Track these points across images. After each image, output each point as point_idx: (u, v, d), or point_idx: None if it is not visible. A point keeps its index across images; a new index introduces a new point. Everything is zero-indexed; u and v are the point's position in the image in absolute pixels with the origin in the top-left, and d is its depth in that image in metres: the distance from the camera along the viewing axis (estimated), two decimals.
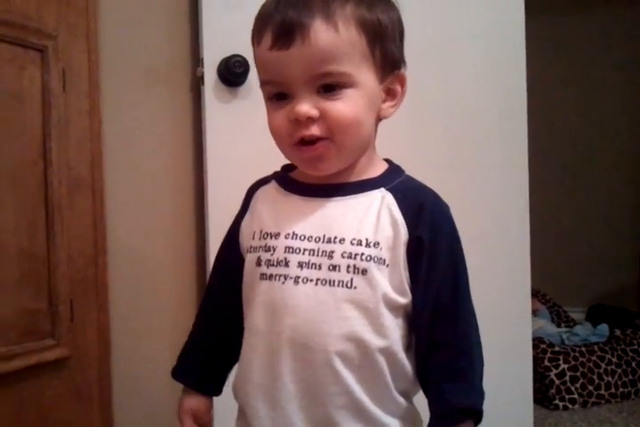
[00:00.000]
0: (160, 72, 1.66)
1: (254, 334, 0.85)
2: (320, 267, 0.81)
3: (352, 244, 0.80)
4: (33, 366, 1.34)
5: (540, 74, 2.52)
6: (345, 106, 0.78)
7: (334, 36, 0.76)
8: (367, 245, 0.80)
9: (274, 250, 0.84)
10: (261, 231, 0.86)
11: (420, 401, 0.88)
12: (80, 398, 1.46)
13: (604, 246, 3.51)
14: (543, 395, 2.45)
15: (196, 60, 1.66)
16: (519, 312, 1.94)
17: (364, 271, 0.79)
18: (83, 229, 1.46)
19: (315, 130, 0.78)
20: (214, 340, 0.96)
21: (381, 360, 0.81)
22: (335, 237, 0.81)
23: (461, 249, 0.86)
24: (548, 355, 2.49)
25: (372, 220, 0.82)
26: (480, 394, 0.83)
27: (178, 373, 0.98)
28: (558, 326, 3.03)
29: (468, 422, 0.81)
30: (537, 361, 2.37)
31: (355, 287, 0.80)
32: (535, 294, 2.98)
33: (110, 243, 1.53)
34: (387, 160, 0.91)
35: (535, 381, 2.08)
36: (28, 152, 1.34)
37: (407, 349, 0.85)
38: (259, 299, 0.85)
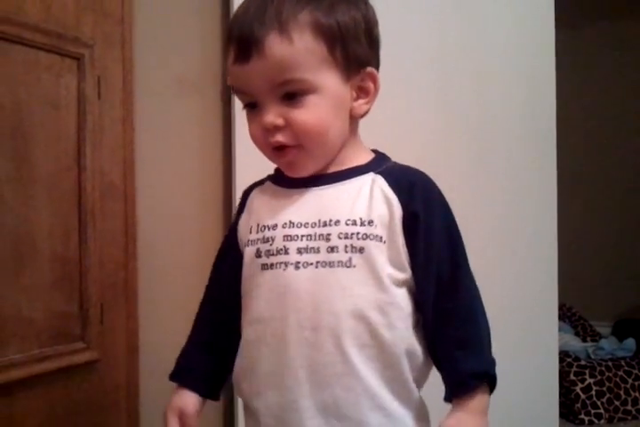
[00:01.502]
0: (192, 81, 1.69)
1: (259, 323, 0.86)
2: (319, 250, 0.83)
3: (347, 224, 0.83)
4: (63, 368, 1.35)
5: (570, 85, 2.51)
6: (308, 113, 0.81)
7: (288, 47, 0.79)
8: (362, 224, 0.82)
9: (273, 240, 0.86)
10: (258, 225, 0.89)
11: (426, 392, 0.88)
12: (108, 402, 1.48)
13: (632, 261, 3.47)
14: (569, 409, 2.42)
15: (227, 69, 1.68)
16: (546, 326, 1.93)
17: (362, 250, 0.81)
18: (114, 234, 1.48)
19: (281, 137, 0.83)
20: (213, 341, 0.96)
21: (389, 337, 0.82)
22: (330, 220, 0.83)
23: (455, 221, 0.89)
24: (574, 369, 2.46)
25: (365, 200, 0.84)
26: (491, 360, 0.86)
27: (173, 374, 0.98)
28: (584, 340, 2.99)
29: (483, 387, 0.83)
30: (562, 375, 2.35)
31: (354, 266, 0.81)
32: (561, 307, 2.95)
33: (140, 248, 1.55)
34: (374, 150, 0.94)
35: (560, 395, 2.06)
36: (63, 158, 1.37)
37: (415, 326, 0.85)
38: (261, 289, 0.86)
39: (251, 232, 0.90)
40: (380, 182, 0.85)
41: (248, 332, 0.88)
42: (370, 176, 0.86)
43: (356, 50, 0.85)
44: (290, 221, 0.86)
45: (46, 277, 1.32)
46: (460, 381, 0.82)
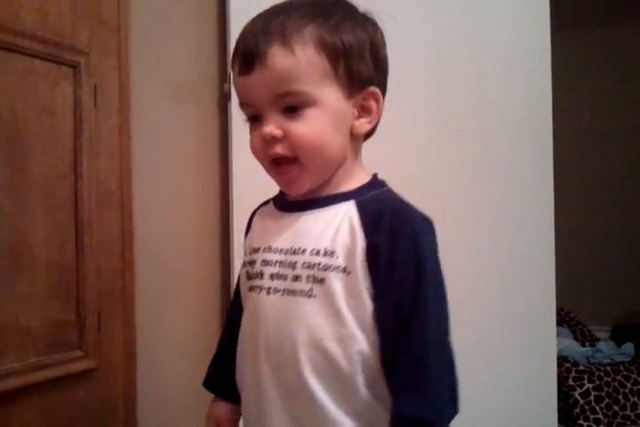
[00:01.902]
0: (188, 88, 1.69)
1: (242, 341, 0.91)
2: (286, 278, 0.84)
3: (311, 254, 0.83)
4: (61, 376, 1.35)
5: (566, 89, 2.51)
6: (306, 126, 0.82)
7: (290, 59, 0.80)
8: (325, 254, 0.82)
9: (254, 263, 0.89)
10: (251, 247, 0.92)
11: None
12: (105, 410, 1.47)
13: (630, 265, 3.48)
14: (567, 415, 2.42)
15: (223, 76, 1.69)
16: (544, 331, 1.93)
17: (322, 280, 0.81)
18: (111, 241, 1.48)
19: (279, 149, 0.83)
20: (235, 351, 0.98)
21: (348, 369, 0.81)
22: (299, 248, 0.84)
23: (428, 258, 0.82)
24: (573, 374, 2.46)
25: (333, 230, 0.83)
26: (435, 406, 0.80)
27: (207, 382, 1.04)
28: (582, 344, 2.99)
29: None
30: (561, 380, 2.35)
31: (315, 296, 0.82)
32: (559, 312, 2.95)
33: (137, 256, 1.55)
34: (373, 175, 0.92)
35: (559, 400, 2.06)
36: (60, 166, 1.37)
37: (376, 356, 0.83)
38: (246, 309, 0.91)
39: (245, 254, 0.93)
40: (352, 212, 0.84)
41: (239, 348, 0.93)
42: (347, 205, 0.85)
43: (359, 68, 0.85)
44: (269, 246, 0.88)
45: (43, 285, 1.32)
46: (396, 423, 0.79)
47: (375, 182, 0.90)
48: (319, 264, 0.82)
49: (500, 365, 1.85)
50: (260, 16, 0.86)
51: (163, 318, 1.63)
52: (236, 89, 0.87)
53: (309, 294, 0.82)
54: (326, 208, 0.86)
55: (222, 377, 0.99)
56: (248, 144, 1.67)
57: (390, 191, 0.89)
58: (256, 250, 0.90)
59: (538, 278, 1.91)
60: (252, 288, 0.88)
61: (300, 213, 0.87)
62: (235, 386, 0.97)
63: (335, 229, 0.83)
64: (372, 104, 0.88)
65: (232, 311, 1.03)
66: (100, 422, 1.46)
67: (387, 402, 0.82)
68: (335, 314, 0.81)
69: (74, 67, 1.39)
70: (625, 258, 3.49)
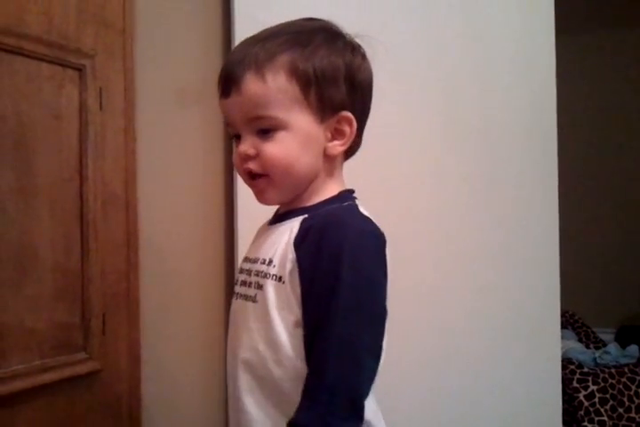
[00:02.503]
0: (193, 91, 1.69)
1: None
2: (247, 284, 0.94)
3: (261, 263, 0.91)
4: (65, 379, 1.35)
5: (570, 92, 2.51)
6: (275, 147, 0.89)
7: (261, 86, 0.88)
8: (267, 263, 0.90)
9: (239, 271, 0.99)
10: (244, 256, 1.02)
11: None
12: (110, 413, 1.47)
13: (634, 267, 3.47)
14: (572, 417, 2.42)
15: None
16: (549, 333, 1.93)
17: (261, 287, 0.89)
18: (116, 244, 1.48)
19: (252, 165, 0.91)
20: None
21: (278, 373, 0.86)
22: (256, 258, 0.93)
23: (350, 272, 0.83)
24: (577, 376, 2.46)
25: (277, 242, 0.90)
26: (321, 416, 0.80)
27: None
28: (587, 347, 2.99)
29: None
30: (565, 382, 2.35)
31: (257, 301, 0.90)
32: (564, 314, 2.95)
33: (142, 258, 1.55)
34: (347, 190, 0.97)
35: (564, 402, 2.06)
36: (65, 168, 1.37)
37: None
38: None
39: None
40: (295, 225, 0.89)
41: None
42: (299, 219, 0.90)
43: (331, 94, 0.91)
44: (246, 256, 0.99)
45: (48, 287, 1.32)
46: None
47: (338, 198, 0.95)
48: (262, 272, 0.90)
49: (504, 367, 1.85)
50: (243, 43, 0.94)
51: (167, 321, 1.64)
52: (221, 110, 0.95)
53: (253, 300, 0.90)
54: (285, 222, 0.93)
55: None
56: None
57: (346, 207, 0.93)
58: (244, 259, 1.00)
59: (542, 280, 1.91)
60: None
61: (273, 226, 0.96)
62: None
63: (279, 242, 0.90)
64: (346, 128, 0.93)
65: None
66: (104, 423, 1.46)
67: None
68: (268, 320, 0.87)
69: (79, 70, 1.39)
70: (629, 260, 3.49)
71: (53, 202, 1.34)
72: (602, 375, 2.48)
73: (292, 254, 0.86)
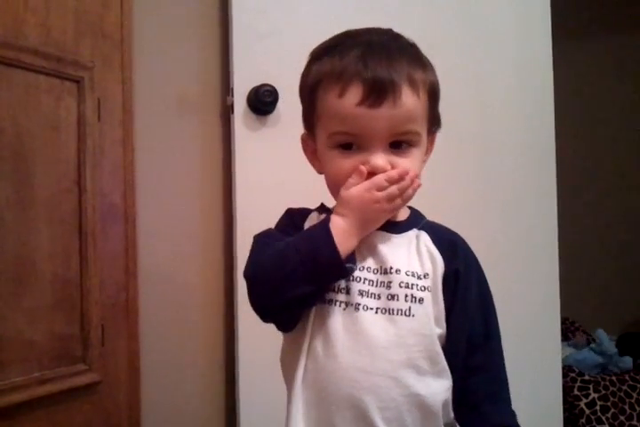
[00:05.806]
0: (191, 101, 1.70)
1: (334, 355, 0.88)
2: (390, 297, 0.87)
3: (406, 274, 0.86)
4: (65, 390, 1.35)
5: (568, 96, 2.52)
6: (411, 163, 0.86)
7: (416, 100, 0.84)
8: (422, 276, 0.87)
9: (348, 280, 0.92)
10: None
11: None
12: (110, 424, 1.47)
13: (635, 273, 3.46)
14: (573, 425, 2.40)
15: (226, 89, 1.69)
16: (549, 341, 1.92)
17: (420, 300, 0.85)
18: (115, 255, 1.48)
19: None
20: None
21: (434, 385, 0.86)
22: (389, 268, 0.86)
23: (487, 281, 0.94)
24: (578, 384, 2.45)
25: (414, 255, 0.89)
26: (514, 414, 0.91)
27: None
28: None
29: None
30: (566, 390, 2.33)
31: (411, 315, 0.85)
32: (564, 321, 2.94)
33: (141, 269, 1.55)
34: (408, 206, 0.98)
35: (565, 410, 2.05)
36: (64, 180, 1.37)
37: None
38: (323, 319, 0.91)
39: None
40: (425, 239, 0.90)
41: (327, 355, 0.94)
42: (414, 232, 0.91)
43: (438, 111, 0.92)
44: (363, 265, 0.88)
45: (47, 298, 1.32)
46: None
47: (418, 212, 0.97)
48: (416, 285, 0.86)
49: None
50: (368, 54, 0.84)
51: (167, 331, 1.63)
52: (344, 117, 0.84)
53: (406, 313, 0.85)
54: (403, 234, 0.90)
55: None
56: (250, 156, 1.69)
57: (431, 221, 0.97)
58: None
59: (542, 288, 1.91)
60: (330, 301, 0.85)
61: (388, 235, 0.89)
62: None
63: (417, 255, 0.89)
64: (432, 144, 0.94)
65: None
66: None
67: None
68: (429, 333, 0.86)
69: (77, 82, 1.40)
70: (630, 267, 3.48)
71: (52, 213, 1.34)
72: (603, 383, 2.47)
73: (441, 269, 0.88)
